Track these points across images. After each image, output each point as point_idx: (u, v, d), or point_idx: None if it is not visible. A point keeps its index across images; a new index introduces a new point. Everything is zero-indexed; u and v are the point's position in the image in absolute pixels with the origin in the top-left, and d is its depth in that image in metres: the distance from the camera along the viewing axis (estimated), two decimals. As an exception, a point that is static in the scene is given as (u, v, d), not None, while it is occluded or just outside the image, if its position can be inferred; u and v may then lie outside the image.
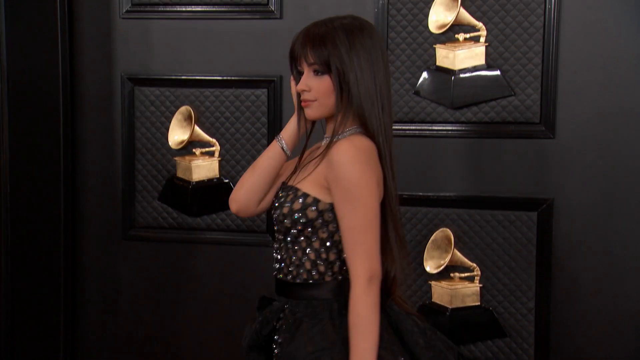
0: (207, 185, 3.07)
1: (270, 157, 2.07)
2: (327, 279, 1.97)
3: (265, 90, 2.99)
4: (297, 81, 2.01)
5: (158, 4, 3.04)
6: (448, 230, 2.86)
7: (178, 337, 3.15)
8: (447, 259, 2.85)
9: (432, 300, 2.90)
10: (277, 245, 2.03)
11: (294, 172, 2.06)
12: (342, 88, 1.93)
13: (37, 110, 3.07)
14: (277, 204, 2.00)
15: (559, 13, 2.74)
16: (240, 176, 3.03)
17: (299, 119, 2.05)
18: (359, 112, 1.94)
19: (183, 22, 3.03)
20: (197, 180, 3.06)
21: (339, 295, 1.96)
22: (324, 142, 2.02)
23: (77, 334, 3.22)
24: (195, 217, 3.09)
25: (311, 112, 1.99)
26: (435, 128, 2.86)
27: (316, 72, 1.95)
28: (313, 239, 1.96)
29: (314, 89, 1.96)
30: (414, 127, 2.85)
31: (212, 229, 3.09)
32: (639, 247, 2.77)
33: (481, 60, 2.81)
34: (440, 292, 2.89)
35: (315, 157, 1.99)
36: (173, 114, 3.06)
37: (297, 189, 1.98)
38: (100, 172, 3.16)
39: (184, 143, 3.06)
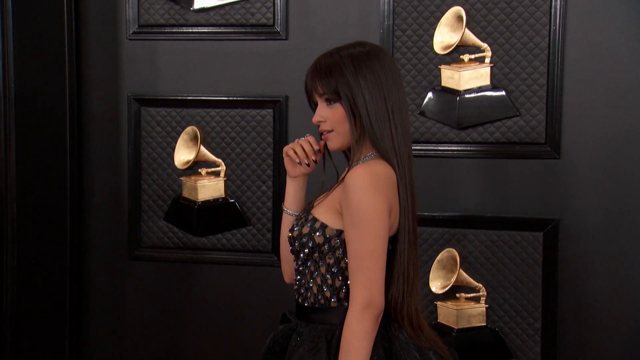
0: (212, 205, 3.07)
1: (286, 227, 2.11)
2: (333, 304, 1.97)
3: (270, 110, 3.00)
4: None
5: (164, 25, 3.06)
6: (454, 250, 2.85)
7: (183, 356, 3.14)
8: (453, 280, 2.84)
9: (438, 320, 2.89)
10: (295, 267, 2.05)
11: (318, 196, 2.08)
12: (354, 113, 1.95)
13: (44, 130, 3.08)
14: (293, 227, 2.02)
15: (564, 34, 2.75)
16: (245, 195, 3.05)
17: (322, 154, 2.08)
18: (370, 134, 1.96)
19: (189, 43, 3.05)
20: (202, 200, 3.07)
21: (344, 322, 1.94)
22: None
23: (82, 353, 3.22)
24: (201, 237, 3.09)
25: (331, 144, 2.02)
26: (441, 148, 2.87)
27: (328, 102, 1.98)
28: (320, 264, 1.97)
29: (329, 119, 1.99)
30: (419, 148, 2.85)
31: (218, 249, 3.09)
32: (645, 267, 2.76)
33: (486, 81, 2.82)
34: (446, 313, 2.88)
35: (336, 184, 2.01)
36: (179, 134, 3.08)
37: (309, 214, 2.00)
38: (107, 192, 3.17)
39: (189, 163, 3.07)
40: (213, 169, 3.07)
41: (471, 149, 2.84)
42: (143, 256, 3.15)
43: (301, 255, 1.98)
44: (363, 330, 1.86)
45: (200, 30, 3.04)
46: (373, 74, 1.96)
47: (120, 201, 3.15)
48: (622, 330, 2.78)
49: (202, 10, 3.03)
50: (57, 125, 3.08)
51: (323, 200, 2.00)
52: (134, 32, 3.08)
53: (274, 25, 2.98)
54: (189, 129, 3.06)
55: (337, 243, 1.94)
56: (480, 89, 2.82)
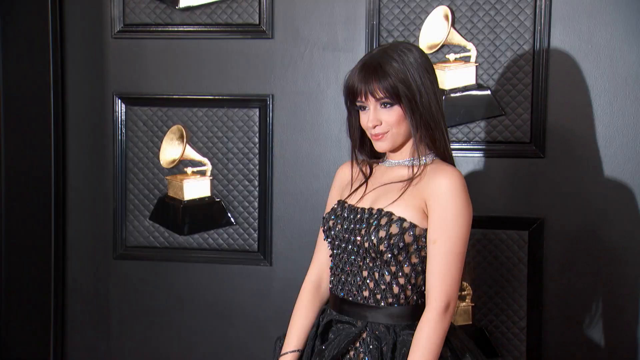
0: (198, 204, 3.06)
1: None
2: (411, 302, 2.00)
3: (256, 109, 3.00)
4: (351, 112, 2.05)
5: (150, 24, 3.05)
6: (439, 249, 2.85)
7: (168, 355, 3.14)
8: (439, 278, 2.84)
9: (424, 319, 2.90)
10: (352, 268, 2.01)
11: (355, 191, 2.07)
12: (414, 112, 1.96)
13: (29, 129, 3.07)
14: (369, 230, 1.97)
15: (549, 34, 2.76)
16: (231, 195, 3.04)
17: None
18: (427, 131, 1.98)
19: (175, 42, 3.04)
20: (188, 199, 3.06)
21: (419, 319, 1.97)
22: (386, 164, 2.07)
23: (66, 352, 3.20)
24: (187, 236, 3.09)
25: (384, 145, 2.01)
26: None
27: (384, 105, 1.97)
28: (405, 264, 1.97)
29: (385, 122, 1.98)
30: (405, 147, 2.86)
31: (204, 248, 3.08)
32: (629, 266, 2.77)
33: (471, 80, 2.83)
34: (432, 312, 2.88)
35: (400, 181, 2.00)
36: (165, 133, 3.07)
37: (382, 212, 1.97)
38: (92, 191, 3.15)
39: (175, 162, 3.06)
40: (199, 168, 3.06)
41: (457, 147, 2.85)
42: (128, 255, 3.13)
43: (388, 256, 1.95)
44: (444, 330, 1.90)
45: (186, 29, 3.03)
46: (422, 69, 1.98)
47: (106, 200, 3.14)
48: (607, 328, 2.80)
49: (188, 9, 3.02)
50: (42, 124, 3.06)
51: (399, 197, 1.98)
52: (119, 31, 3.07)
53: (260, 24, 2.97)
54: (175, 128, 3.06)
55: (423, 243, 1.95)
56: (465, 88, 2.83)
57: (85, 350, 3.20)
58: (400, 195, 1.98)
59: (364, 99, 1.99)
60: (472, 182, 2.86)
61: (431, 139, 2.00)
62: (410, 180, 1.99)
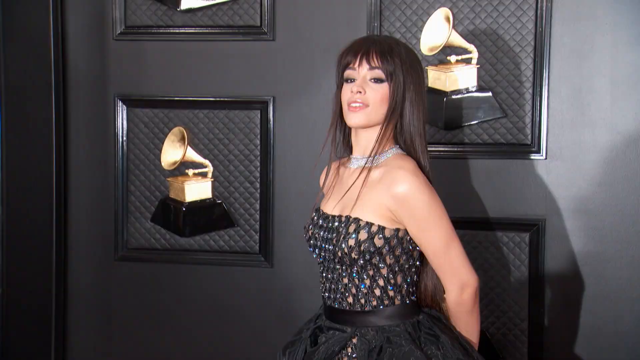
0: (199, 206, 3.07)
1: None
2: (397, 302, 1.99)
3: (258, 111, 3.00)
4: (340, 90, 2.03)
5: (151, 26, 3.06)
6: (440, 251, 2.85)
7: (170, 358, 3.14)
8: (440, 280, 2.84)
9: (425, 321, 2.90)
10: (333, 275, 2.02)
11: (329, 198, 2.08)
12: (396, 97, 1.96)
13: (31, 131, 3.07)
14: (339, 238, 1.97)
15: (550, 35, 2.76)
16: (232, 197, 3.04)
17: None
18: (408, 130, 1.99)
19: (176, 44, 3.05)
20: (189, 201, 3.06)
21: (410, 317, 1.99)
22: (355, 165, 2.04)
23: (68, 354, 3.21)
24: (188, 238, 3.09)
25: (358, 118, 1.98)
26: (428, 149, 2.86)
27: (375, 80, 1.97)
28: (381, 266, 1.96)
29: (369, 95, 1.97)
30: (406, 149, 2.86)
31: (205, 250, 3.08)
32: (630, 268, 2.77)
33: (473, 82, 2.83)
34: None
35: (361, 185, 1.99)
36: (166, 135, 3.07)
37: (349, 218, 1.97)
38: (93, 193, 3.16)
39: (176, 164, 3.06)
40: (200, 170, 3.07)
41: (458, 149, 2.85)
42: (130, 257, 3.14)
43: (361, 262, 1.95)
44: (470, 308, 1.97)
45: (187, 31, 3.04)
46: (418, 75, 2.00)
47: (107, 202, 3.14)
48: (607, 330, 2.80)
49: (189, 11, 3.03)
50: (44, 126, 3.07)
51: (363, 202, 1.97)
52: (121, 33, 3.07)
53: (261, 26, 2.97)
54: (176, 129, 3.06)
55: (395, 242, 1.95)
56: (467, 90, 2.83)
57: (87, 352, 3.20)
58: (360, 201, 1.97)
59: (357, 66, 1.98)
60: (473, 184, 2.86)
61: (410, 139, 2.00)
62: (363, 182, 1.98)
